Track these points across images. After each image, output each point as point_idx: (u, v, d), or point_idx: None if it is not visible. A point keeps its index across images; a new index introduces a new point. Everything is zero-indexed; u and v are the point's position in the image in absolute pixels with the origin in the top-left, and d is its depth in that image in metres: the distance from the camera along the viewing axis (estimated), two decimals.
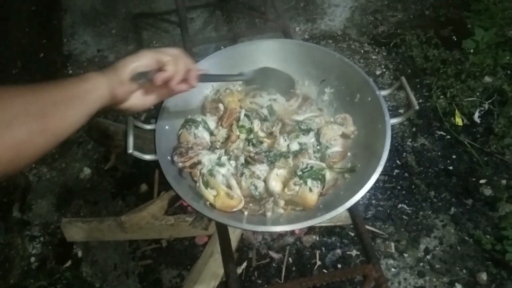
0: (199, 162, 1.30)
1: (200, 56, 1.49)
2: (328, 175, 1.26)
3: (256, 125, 1.36)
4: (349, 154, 1.33)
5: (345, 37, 2.79)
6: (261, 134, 1.34)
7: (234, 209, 1.22)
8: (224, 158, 1.30)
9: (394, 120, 1.35)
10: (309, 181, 1.22)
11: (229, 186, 1.25)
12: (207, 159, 1.31)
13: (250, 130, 1.36)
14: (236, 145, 1.34)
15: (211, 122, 1.44)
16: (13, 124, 0.69)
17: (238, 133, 1.36)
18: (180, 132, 1.40)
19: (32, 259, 2.04)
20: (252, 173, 1.26)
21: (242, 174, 1.27)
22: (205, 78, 1.24)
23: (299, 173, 1.24)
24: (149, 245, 2.00)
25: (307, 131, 1.34)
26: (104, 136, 2.24)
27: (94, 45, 2.87)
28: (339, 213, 1.19)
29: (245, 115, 1.39)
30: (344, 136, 1.34)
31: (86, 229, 1.96)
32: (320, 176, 1.23)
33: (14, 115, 0.70)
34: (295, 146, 1.31)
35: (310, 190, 1.21)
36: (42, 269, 2.00)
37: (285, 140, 1.34)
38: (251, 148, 1.31)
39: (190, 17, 2.87)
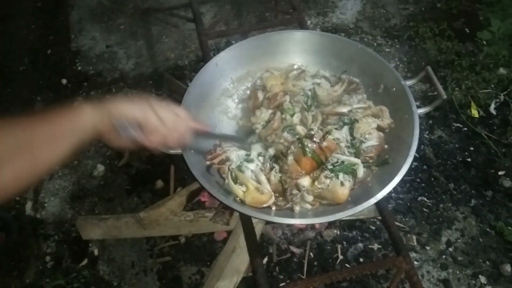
0: (227, 159, 1.28)
1: (211, 51, 1.46)
2: (362, 170, 1.22)
3: (296, 117, 1.32)
4: (386, 146, 1.29)
5: (357, 30, 2.76)
6: (299, 128, 1.30)
7: (264, 205, 1.19)
8: (253, 154, 1.28)
9: (422, 110, 1.33)
10: (340, 175, 1.19)
11: (258, 182, 1.22)
12: (235, 155, 1.28)
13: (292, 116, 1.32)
14: (276, 132, 1.31)
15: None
16: (3, 163, 0.70)
17: (283, 116, 1.33)
18: None
19: (47, 258, 2.00)
20: (281, 167, 1.23)
21: (272, 168, 1.24)
22: (202, 134, 1.21)
23: (330, 166, 1.21)
24: (167, 242, 1.97)
25: (349, 124, 1.30)
26: None
27: (102, 41, 2.84)
28: (370, 205, 1.17)
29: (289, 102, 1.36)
30: (379, 128, 1.30)
31: (103, 226, 1.93)
32: (351, 171, 1.20)
33: (5, 153, 0.71)
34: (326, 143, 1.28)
35: (342, 184, 1.18)
36: (58, 268, 1.96)
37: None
38: (288, 136, 1.27)
39: (200, 12, 2.83)
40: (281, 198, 1.24)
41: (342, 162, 1.22)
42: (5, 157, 0.70)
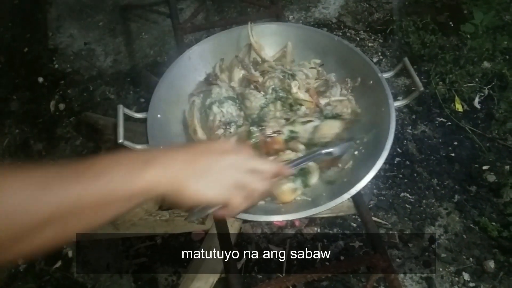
0: (209, 90, 1.29)
1: (191, 45, 1.42)
2: (315, 178, 1.19)
3: (294, 85, 1.26)
4: (340, 165, 1.22)
5: (340, 25, 2.72)
6: (301, 95, 1.25)
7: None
8: (230, 102, 1.25)
9: (398, 103, 1.29)
10: (298, 181, 1.15)
11: (209, 127, 1.22)
12: (217, 91, 1.27)
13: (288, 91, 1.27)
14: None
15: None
16: (38, 229, 0.57)
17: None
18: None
19: (20, 260, 1.94)
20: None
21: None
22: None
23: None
24: (143, 243, 1.91)
25: (333, 117, 1.24)
26: (93, 130, 2.15)
27: (80, 38, 2.77)
28: (345, 200, 1.12)
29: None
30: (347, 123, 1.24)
31: None
32: (305, 180, 1.16)
33: (42, 215, 0.57)
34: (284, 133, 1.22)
35: (294, 190, 1.15)
36: (31, 271, 1.90)
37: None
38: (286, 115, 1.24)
39: (180, 8, 2.78)
40: None
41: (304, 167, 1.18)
42: (40, 222, 0.55)
